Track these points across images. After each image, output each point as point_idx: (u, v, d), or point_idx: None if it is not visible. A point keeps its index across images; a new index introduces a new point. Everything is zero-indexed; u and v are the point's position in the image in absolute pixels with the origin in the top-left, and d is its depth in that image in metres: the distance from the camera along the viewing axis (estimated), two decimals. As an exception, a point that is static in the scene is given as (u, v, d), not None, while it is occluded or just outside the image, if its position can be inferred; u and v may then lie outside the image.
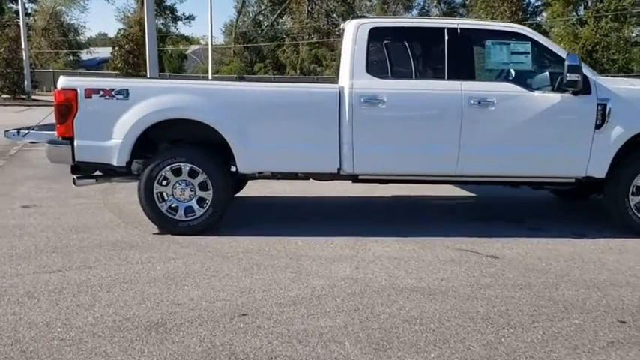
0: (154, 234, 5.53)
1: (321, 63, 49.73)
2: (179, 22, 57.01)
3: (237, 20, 55.83)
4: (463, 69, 5.44)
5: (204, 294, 4.05)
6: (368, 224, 5.98)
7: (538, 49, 5.46)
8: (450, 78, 5.40)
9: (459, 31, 5.43)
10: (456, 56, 5.42)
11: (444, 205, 7.24)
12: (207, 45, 40.42)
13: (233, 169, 5.59)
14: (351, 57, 5.42)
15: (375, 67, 5.78)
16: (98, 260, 4.75)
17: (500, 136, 5.39)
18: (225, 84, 5.62)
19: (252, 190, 7.21)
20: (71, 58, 54.25)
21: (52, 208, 6.66)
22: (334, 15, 52.32)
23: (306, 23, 52.01)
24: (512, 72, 5.86)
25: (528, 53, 5.35)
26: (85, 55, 55.68)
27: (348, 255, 4.93)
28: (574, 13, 41.16)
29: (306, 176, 5.71)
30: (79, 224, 5.92)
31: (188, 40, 59.27)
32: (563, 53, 5.45)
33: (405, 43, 6.27)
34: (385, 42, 6.25)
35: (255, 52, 54.07)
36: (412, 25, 6.08)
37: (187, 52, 55.72)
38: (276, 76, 45.56)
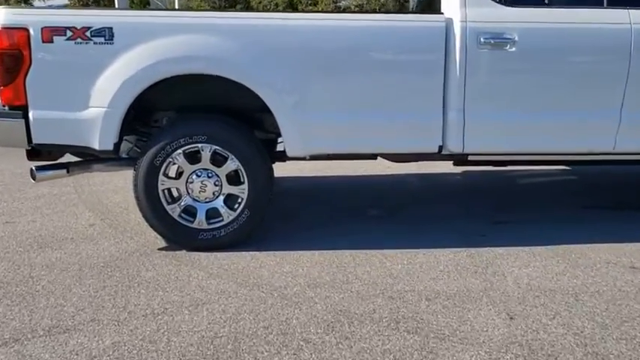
0: (160, 249, 3.66)
1: (297, 8, 46.86)
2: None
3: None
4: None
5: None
6: (460, 219, 4.21)
7: None
8: (611, 4, 3.55)
9: None
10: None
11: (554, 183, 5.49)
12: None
13: (279, 151, 3.78)
14: (458, -27, 3.51)
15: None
16: (79, 315, 2.87)
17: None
18: (268, 18, 3.63)
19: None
20: (22, 6, 49.98)
21: (1, 206, 4.69)
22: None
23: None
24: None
25: None
26: (38, 2, 51.40)
27: (478, 287, 3.14)
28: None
29: (383, 156, 3.87)
30: (44, 233, 3.99)
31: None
32: None
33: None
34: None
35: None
36: None
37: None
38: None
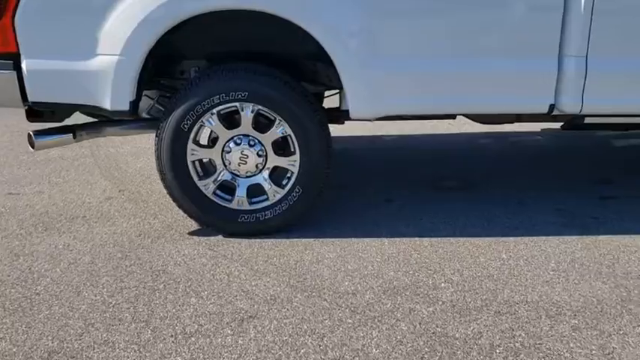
0: (191, 234, 2.95)
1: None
2: None
3: None
4: None
5: None
6: (560, 193, 3.39)
7: None
8: None
9: None
10: None
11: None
12: None
13: (333, 109, 3.00)
14: None
15: None
16: (89, 333, 2.18)
17: None
18: None
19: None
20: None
21: (5, 172, 4.01)
22: None
23: None
24: None
25: None
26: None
27: (610, 296, 2.36)
28: None
29: (469, 117, 3.06)
30: (51, 209, 3.30)
31: None
32: None
33: None
34: None
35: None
36: None
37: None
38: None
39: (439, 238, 2.86)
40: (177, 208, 2.92)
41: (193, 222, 2.99)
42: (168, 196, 2.89)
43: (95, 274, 2.56)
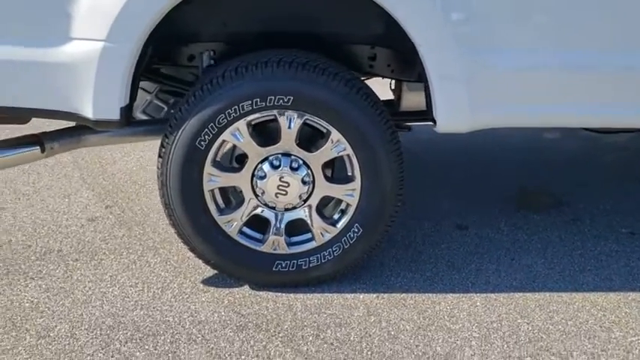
0: (205, 282, 2.16)
1: None
2: None
3: None
4: None
5: None
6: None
7: None
8: None
9: None
10: None
11: None
12: None
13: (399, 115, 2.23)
14: None
15: None
16: None
17: None
18: None
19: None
20: None
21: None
22: None
23: None
24: None
25: None
26: None
27: None
28: None
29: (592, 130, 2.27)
30: (18, 237, 2.47)
31: None
32: None
33: None
34: None
35: None
36: None
37: None
38: None
39: (546, 294, 2.11)
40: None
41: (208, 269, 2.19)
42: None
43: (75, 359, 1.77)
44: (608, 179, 3.11)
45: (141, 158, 3.34)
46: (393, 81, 2.60)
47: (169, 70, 2.35)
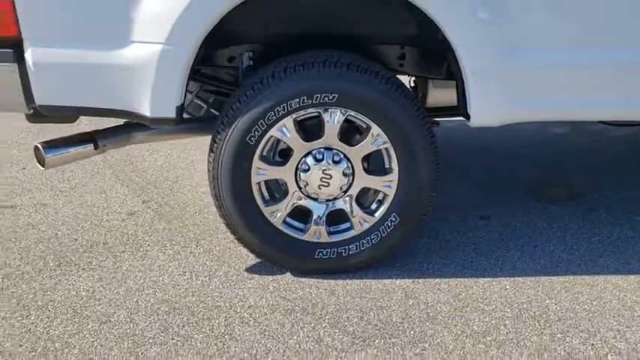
0: (249, 270, 2.29)
1: None
2: None
3: None
4: None
5: None
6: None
7: None
8: None
9: None
10: None
11: None
12: None
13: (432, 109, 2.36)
14: None
15: None
16: None
17: None
18: None
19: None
20: None
21: (-3, 173, 3.26)
22: None
23: None
24: None
25: None
26: None
27: None
28: None
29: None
30: (59, 232, 2.59)
31: None
32: None
33: None
34: None
35: None
36: None
37: None
38: None
39: (570, 277, 2.25)
40: (225, 233, 2.26)
41: (247, 251, 2.31)
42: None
43: (139, 344, 1.90)
44: (618, 170, 3.26)
45: (169, 155, 3.46)
46: (412, 79, 2.76)
47: (209, 71, 2.47)
